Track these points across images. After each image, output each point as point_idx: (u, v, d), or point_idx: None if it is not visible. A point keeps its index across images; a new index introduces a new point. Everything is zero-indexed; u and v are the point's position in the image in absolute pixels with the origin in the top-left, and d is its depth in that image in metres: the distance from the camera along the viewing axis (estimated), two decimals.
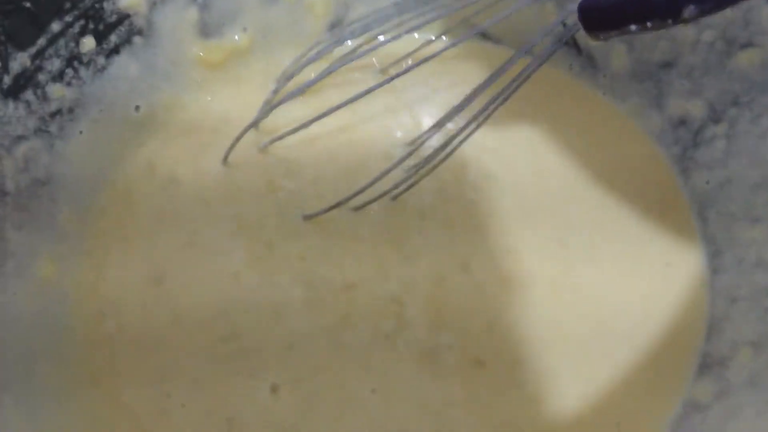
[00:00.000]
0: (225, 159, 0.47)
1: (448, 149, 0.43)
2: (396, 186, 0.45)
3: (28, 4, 0.39)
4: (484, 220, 0.48)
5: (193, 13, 0.48)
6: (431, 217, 0.47)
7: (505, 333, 0.44)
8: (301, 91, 0.46)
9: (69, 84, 0.43)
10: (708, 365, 0.44)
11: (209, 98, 0.50)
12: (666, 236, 0.49)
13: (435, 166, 0.45)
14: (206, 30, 0.49)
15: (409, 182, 0.45)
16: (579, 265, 0.47)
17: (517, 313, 0.44)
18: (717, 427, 0.39)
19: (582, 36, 0.51)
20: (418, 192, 0.47)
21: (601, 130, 0.53)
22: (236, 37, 0.50)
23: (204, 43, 0.49)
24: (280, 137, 0.46)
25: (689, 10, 0.29)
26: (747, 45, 0.46)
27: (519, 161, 0.50)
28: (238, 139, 0.46)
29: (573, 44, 0.53)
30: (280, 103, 0.45)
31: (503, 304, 0.44)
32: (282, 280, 0.44)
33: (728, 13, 0.46)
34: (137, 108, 0.47)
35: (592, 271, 0.47)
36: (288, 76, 0.48)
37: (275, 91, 0.48)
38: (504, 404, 0.42)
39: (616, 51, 0.51)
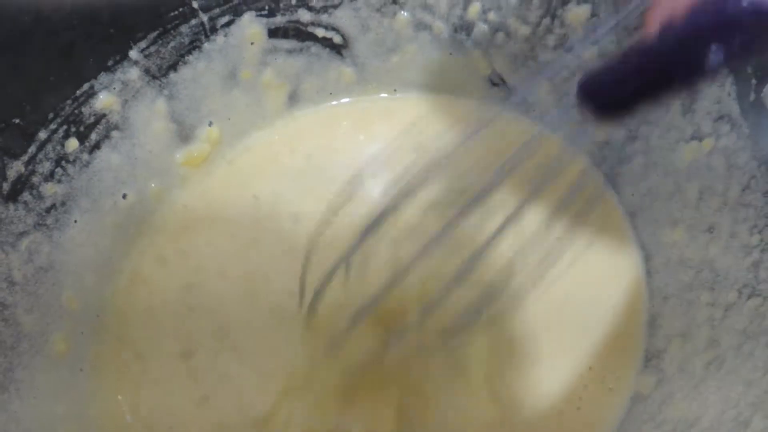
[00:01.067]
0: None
1: None
2: None
3: (17, 120, 0.45)
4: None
5: (161, 104, 0.54)
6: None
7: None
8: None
9: (59, 181, 0.48)
10: (648, 359, 0.49)
11: (194, 185, 0.56)
12: (607, 246, 0.54)
13: None
14: (176, 117, 0.55)
15: None
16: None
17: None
18: (654, 413, 0.44)
19: (510, 78, 0.59)
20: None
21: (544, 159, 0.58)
22: (206, 135, 0.57)
23: (182, 149, 0.56)
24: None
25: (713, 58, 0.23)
26: None
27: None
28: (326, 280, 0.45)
29: (503, 85, 0.60)
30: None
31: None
32: None
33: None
34: (125, 196, 0.53)
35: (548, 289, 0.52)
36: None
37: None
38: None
39: (540, 88, 0.58)
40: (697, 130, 0.49)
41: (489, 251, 0.53)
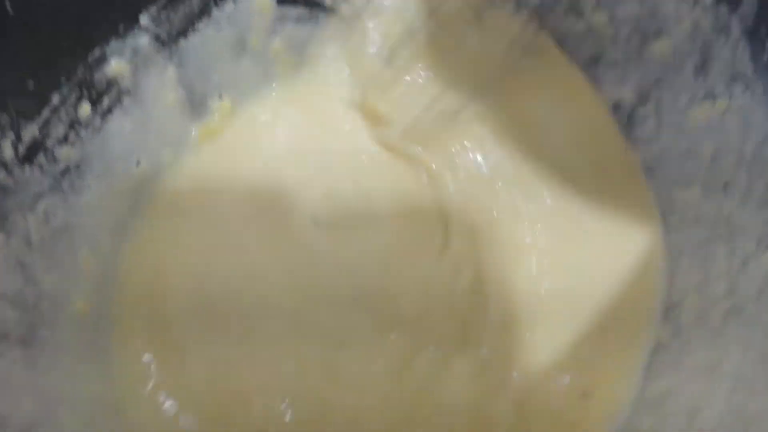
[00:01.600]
0: None
1: None
2: None
3: (31, 83, 0.45)
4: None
5: (171, 72, 0.53)
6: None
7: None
8: None
9: (73, 145, 0.48)
10: (666, 311, 0.49)
11: (206, 154, 0.56)
12: (624, 203, 0.54)
13: None
14: (186, 86, 0.55)
15: None
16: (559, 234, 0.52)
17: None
18: (674, 362, 0.44)
19: None
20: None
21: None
22: (218, 107, 0.57)
23: (196, 123, 0.56)
24: None
25: None
26: (658, 34, 0.52)
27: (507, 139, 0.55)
28: None
29: None
30: None
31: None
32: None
33: (637, 9, 0.53)
34: (138, 163, 0.53)
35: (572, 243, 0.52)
36: None
37: None
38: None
39: None
40: (710, 91, 0.49)
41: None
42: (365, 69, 0.57)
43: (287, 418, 0.46)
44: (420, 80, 0.56)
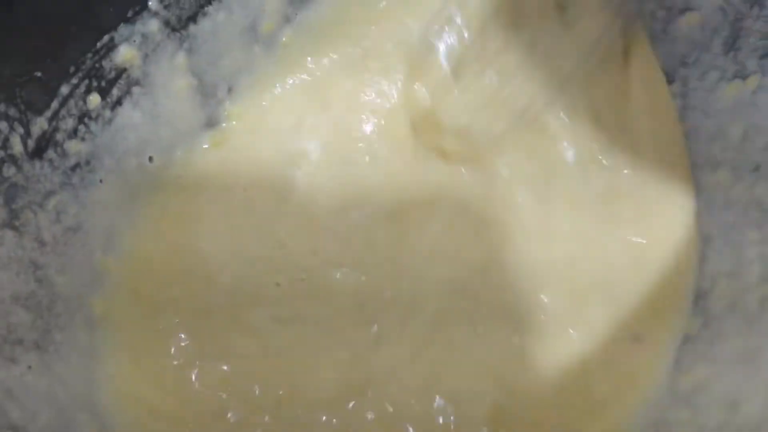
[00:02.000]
0: None
1: None
2: None
3: (38, 73, 0.43)
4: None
5: (181, 58, 0.52)
6: None
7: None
8: None
9: (83, 139, 0.47)
10: (695, 300, 0.48)
11: (219, 154, 0.54)
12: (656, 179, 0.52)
13: None
14: (196, 73, 0.53)
15: None
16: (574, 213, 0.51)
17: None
18: (706, 352, 0.43)
19: None
20: None
21: None
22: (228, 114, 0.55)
23: (207, 133, 0.54)
24: None
25: None
26: (685, 10, 0.50)
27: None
28: None
29: None
30: None
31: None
32: None
33: None
34: (150, 159, 0.51)
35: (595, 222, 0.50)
36: None
37: None
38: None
39: None
40: (741, 69, 0.48)
41: None
42: (428, 69, 0.52)
43: None
44: (490, 80, 0.51)
